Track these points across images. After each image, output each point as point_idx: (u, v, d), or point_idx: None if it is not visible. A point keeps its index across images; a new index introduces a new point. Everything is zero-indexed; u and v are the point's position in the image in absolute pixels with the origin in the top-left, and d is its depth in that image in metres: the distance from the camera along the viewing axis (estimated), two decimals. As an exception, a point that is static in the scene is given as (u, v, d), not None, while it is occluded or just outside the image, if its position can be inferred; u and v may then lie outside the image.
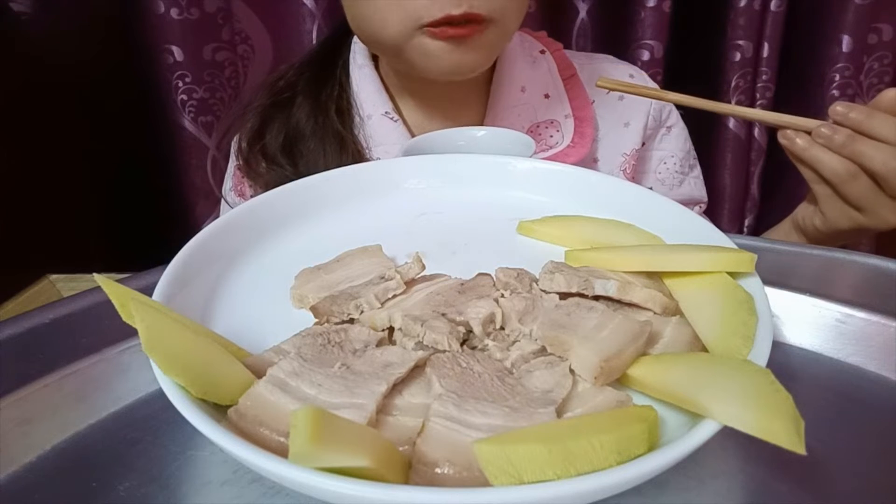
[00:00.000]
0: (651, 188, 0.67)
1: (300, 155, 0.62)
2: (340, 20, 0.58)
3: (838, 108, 0.49)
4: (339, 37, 0.65)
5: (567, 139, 0.63)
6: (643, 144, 0.67)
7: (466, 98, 0.63)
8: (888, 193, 0.48)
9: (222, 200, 0.72)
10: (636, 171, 0.67)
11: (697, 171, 0.71)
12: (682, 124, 0.69)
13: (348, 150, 0.61)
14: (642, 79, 0.68)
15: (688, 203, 0.68)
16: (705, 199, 0.72)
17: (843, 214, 0.51)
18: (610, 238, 0.37)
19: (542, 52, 0.66)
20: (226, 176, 0.71)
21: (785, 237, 0.60)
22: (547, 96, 0.64)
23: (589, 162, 0.64)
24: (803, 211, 0.57)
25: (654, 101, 0.66)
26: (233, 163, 0.68)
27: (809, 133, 0.50)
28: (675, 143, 0.68)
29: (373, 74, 0.63)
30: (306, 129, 0.62)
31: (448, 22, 0.48)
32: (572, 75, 0.65)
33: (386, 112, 0.62)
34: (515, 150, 0.48)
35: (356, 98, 0.63)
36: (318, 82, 0.64)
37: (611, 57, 0.71)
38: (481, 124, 0.63)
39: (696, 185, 0.71)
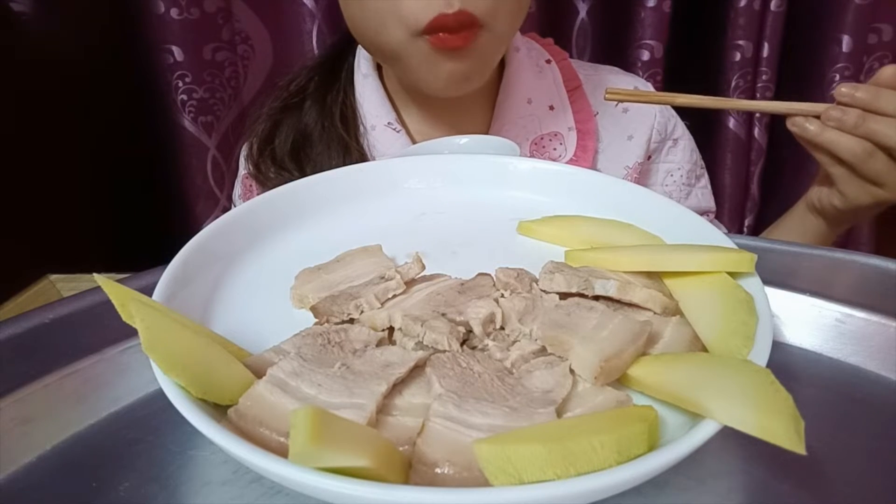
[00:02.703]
0: None
1: (307, 159, 0.62)
2: (344, 23, 0.58)
3: (843, 90, 0.49)
4: (345, 40, 0.65)
5: (570, 152, 0.62)
6: (649, 157, 0.67)
7: (471, 108, 0.63)
8: None
9: (232, 206, 0.72)
10: (641, 184, 0.67)
11: (705, 180, 0.71)
12: (688, 136, 0.69)
13: (353, 158, 0.60)
14: (647, 90, 0.68)
15: (705, 214, 0.68)
16: (713, 208, 0.72)
17: (862, 191, 0.52)
18: (610, 238, 0.37)
19: (549, 61, 0.65)
20: (235, 182, 0.70)
21: (799, 220, 0.60)
22: (552, 108, 0.63)
23: None
24: (817, 193, 0.57)
25: (658, 114, 0.66)
26: (242, 170, 0.68)
27: (818, 117, 0.51)
28: (682, 155, 0.68)
29: (376, 84, 0.62)
30: (314, 134, 0.62)
31: (442, 27, 0.48)
32: (577, 87, 0.65)
33: (389, 122, 0.61)
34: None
35: (360, 108, 0.63)
36: (325, 86, 0.64)
37: (616, 68, 0.70)
38: (486, 134, 0.63)
39: (703, 195, 0.70)
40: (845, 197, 0.53)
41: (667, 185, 0.68)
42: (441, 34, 0.48)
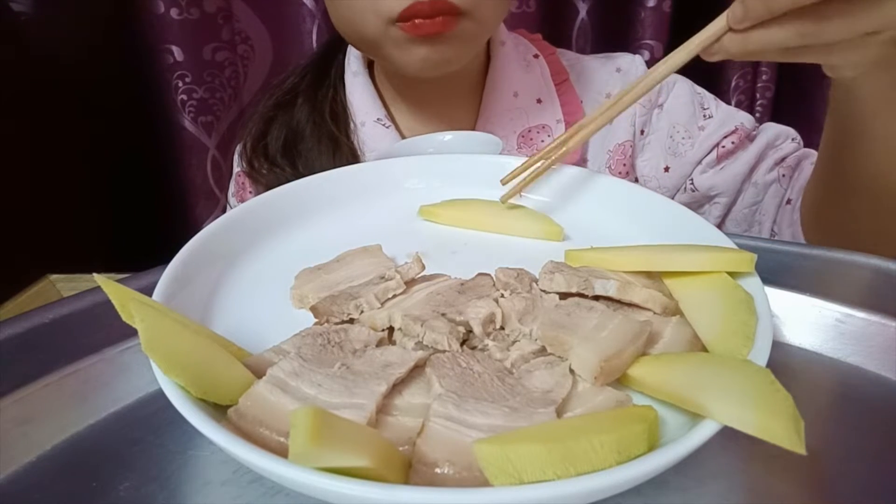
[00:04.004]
0: (667, 168, 0.64)
1: (298, 155, 0.62)
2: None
3: None
4: (336, 39, 0.66)
5: None
6: (642, 132, 0.65)
7: (459, 102, 0.64)
8: None
9: (228, 206, 0.73)
10: (644, 160, 0.66)
11: (714, 112, 0.62)
12: (674, 93, 0.64)
13: (342, 153, 0.61)
14: (633, 67, 0.66)
15: (726, 138, 0.61)
16: (743, 121, 0.61)
17: (861, 52, 0.36)
18: (503, 220, 0.40)
19: (536, 56, 0.66)
20: (230, 181, 0.71)
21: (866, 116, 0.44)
22: (539, 101, 0.64)
23: (579, 163, 0.64)
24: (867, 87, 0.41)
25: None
26: (236, 168, 0.69)
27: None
28: (669, 118, 0.64)
29: (366, 82, 0.63)
30: (305, 130, 0.63)
31: (416, 14, 0.48)
32: (564, 80, 0.65)
33: (378, 119, 0.62)
34: (484, 151, 0.49)
35: (350, 105, 0.64)
36: (316, 84, 0.65)
37: (601, 54, 0.70)
38: (473, 128, 0.63)
39: (724, 119, 0.62)
40: (856, 66, 0.39)
41: (669, 148, 0.64)
42: (416, 21, 0.49)
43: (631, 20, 0.96)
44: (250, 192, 0.66)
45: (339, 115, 0.63)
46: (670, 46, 0.96)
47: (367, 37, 0.52)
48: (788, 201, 0.59)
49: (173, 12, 0.84)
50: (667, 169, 0.64)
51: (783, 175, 0.60)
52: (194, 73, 0.88)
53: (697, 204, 0.64)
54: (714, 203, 0.63)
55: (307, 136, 0.62)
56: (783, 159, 0.60)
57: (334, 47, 0.66)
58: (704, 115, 0.63)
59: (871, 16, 0.33)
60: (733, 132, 0.61)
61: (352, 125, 0.63)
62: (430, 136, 0.50)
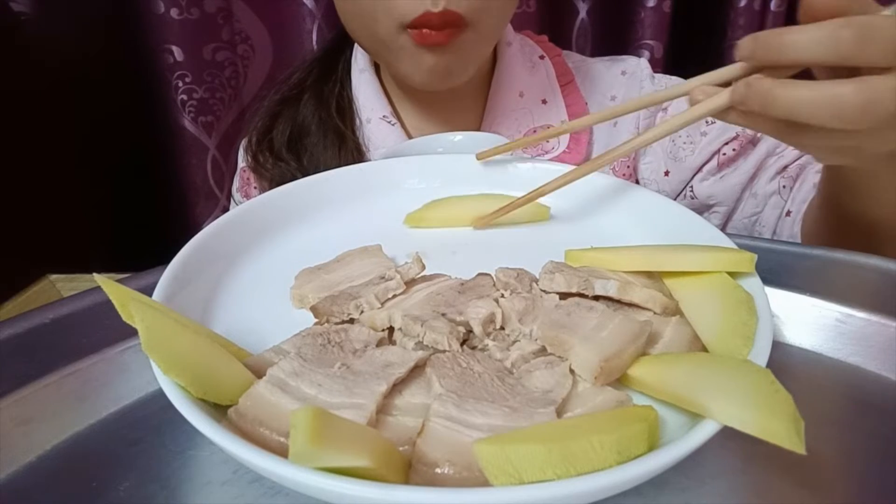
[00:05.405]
0: (667, 172, 0.64)
1: (304, 150, 0.63)
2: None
3: (742, 51, 0.34)
4: (342, 36, 0.66)
5: (563, 145, 0.62)
6: None
7: (465, 101, 0.64)
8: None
9: (231, 200, 0.73)
10: (634, 167, 0.66)
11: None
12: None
13: (348, 149, 0.61)
14: (638, 70, 0.66)
15: (727, 144, 0.60)
16: (742, 128, 0.59)
17: (836, 156, 0.37)
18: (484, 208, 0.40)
19: (542, 57, 0.66)
20: (235, 176, 0.71)
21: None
22: (544, 102, 0.64)
23: None
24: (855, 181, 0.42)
25: (641, 93, 0.64)
26: (240, 163, 0.69)
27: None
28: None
29: (373, 79, 0.64)
30: (311, 125, 0.63)
31: (427, 23, 0.49)
32: (570, 82, 0.65)
33: (384, 116, 0.63)
34: None
35: (356, 102, 0.64)
36: (323, 80, 0.65)
37: (607, 57, 0.70)
38: (479, 128, 0.63)
39: (720, 126, 0.61)
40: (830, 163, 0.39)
41: (670, 153, 0.64)
42: (424, 30, 0.50)
43: (631, 20, 0.96)
44: (255, 188, 0.67)
45: (345, 111, 0.64)
46: (670, 46, 0.96)
47: (377, 38, 0.53)
48: (788, 213, 0.59)
49: (173, 12, 0.84)
50: (667, 173, 0.64)
51: (784, 186, 0.59)
52: (194, 73, 0.88)
53: (696, 212, 0.64)
54: (713, 212, 0.63)
55: (313, 130, 0.63)
56: (785, 168, 0.60)
57: (341, 43, 0.67)
58: (707, 121, 0.63)
59: (846, 138, 0.32)
60: (734, 139, 0.61)
61: (357, 121, 0.63)
62: (440, 136, 0.50)
